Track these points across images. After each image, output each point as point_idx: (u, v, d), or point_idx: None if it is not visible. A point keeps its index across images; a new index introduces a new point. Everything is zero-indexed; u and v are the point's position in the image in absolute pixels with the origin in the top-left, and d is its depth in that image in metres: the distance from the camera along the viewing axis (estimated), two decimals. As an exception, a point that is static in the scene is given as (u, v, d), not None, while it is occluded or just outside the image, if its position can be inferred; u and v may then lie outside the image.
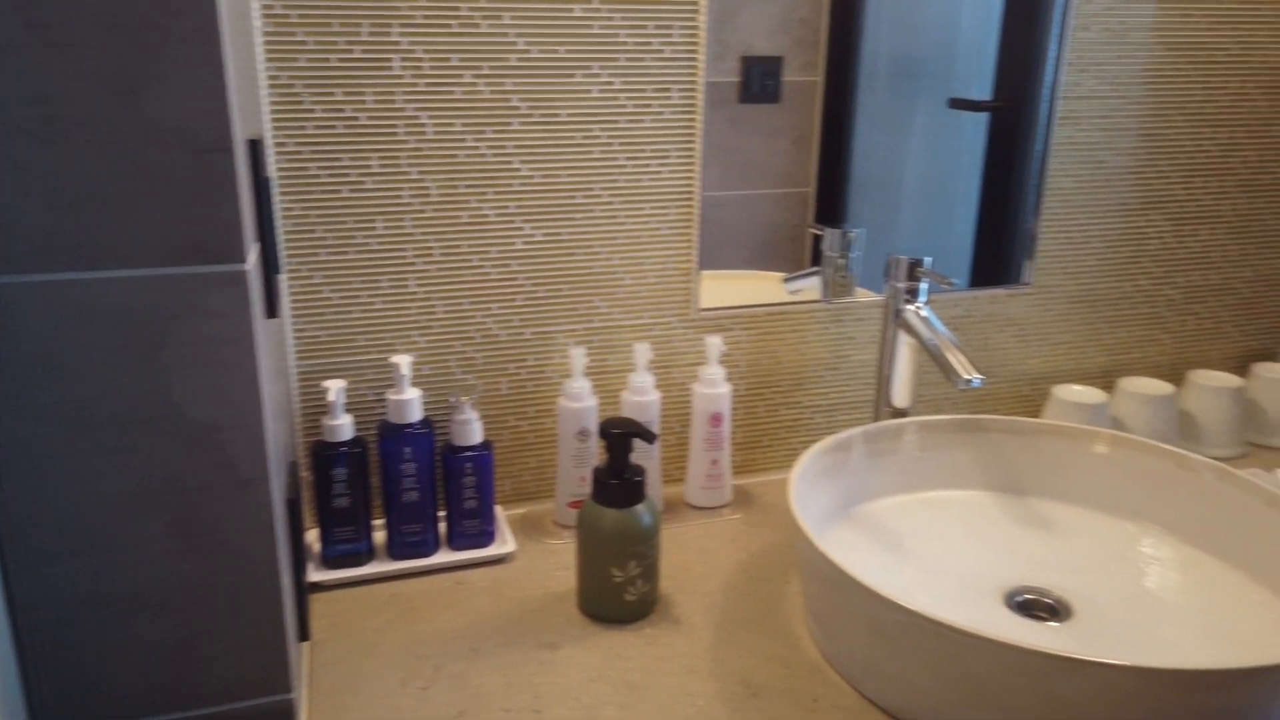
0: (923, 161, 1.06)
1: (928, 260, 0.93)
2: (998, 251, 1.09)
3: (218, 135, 0.50)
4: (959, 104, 1.06)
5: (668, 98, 0.90)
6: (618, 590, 0.78)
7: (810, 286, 1.02)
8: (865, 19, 0.98)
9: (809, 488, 0.82)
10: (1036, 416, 1.10)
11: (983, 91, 1.06)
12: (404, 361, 0.83)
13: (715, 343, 0.94)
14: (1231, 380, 1.09)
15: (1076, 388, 1.06)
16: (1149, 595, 0.80)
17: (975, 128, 1.07)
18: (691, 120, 0.92)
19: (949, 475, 0.93)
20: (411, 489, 0.84)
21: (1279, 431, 1.10)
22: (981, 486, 0.93)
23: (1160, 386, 1.06)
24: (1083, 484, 0.90)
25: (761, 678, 0.72)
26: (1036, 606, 0.77)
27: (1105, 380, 1.13)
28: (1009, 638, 0.60)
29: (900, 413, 0.96)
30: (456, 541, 0.87)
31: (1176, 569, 0.82)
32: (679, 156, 0.92)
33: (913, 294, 0.93)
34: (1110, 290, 1.11)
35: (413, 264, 0.88)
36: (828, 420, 1.06)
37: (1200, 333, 1.16)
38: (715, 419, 0.95)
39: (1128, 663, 0.57)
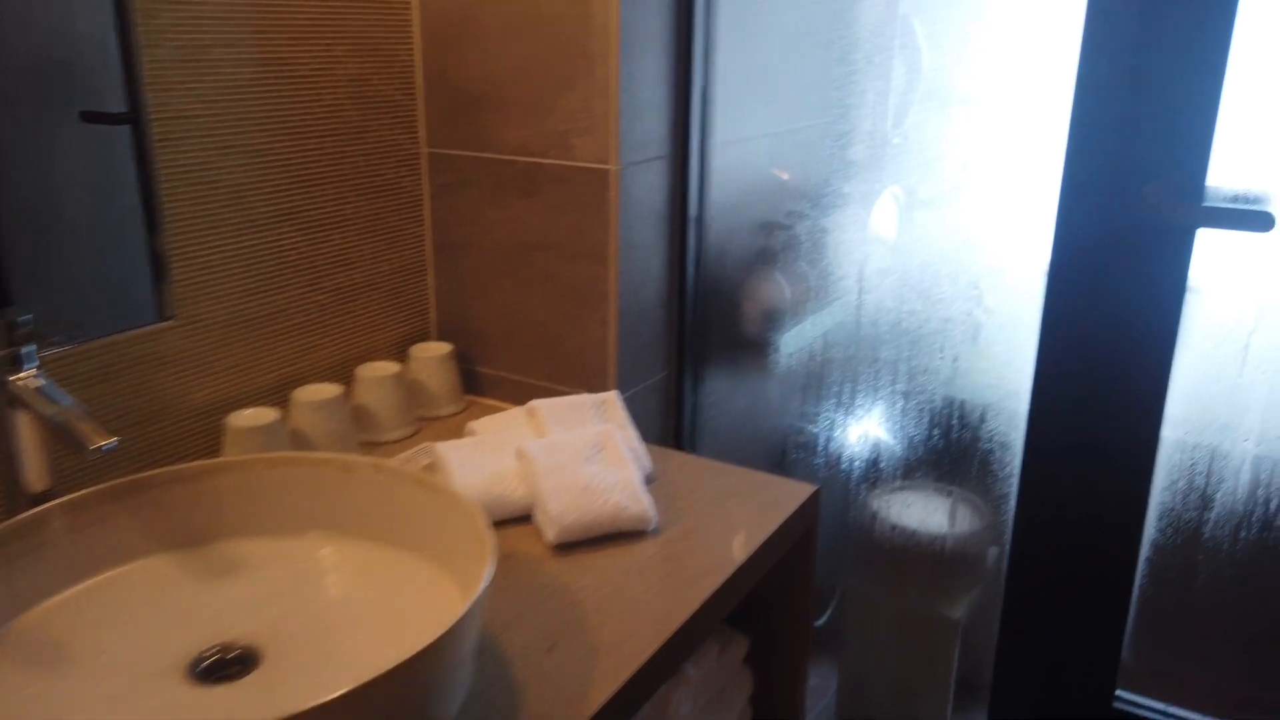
0: None
1: (26, 318, 0.80)
2: (128, 289, 0.99)
3: None
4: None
5: None
6: None
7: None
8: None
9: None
10: (218, 451, 1.06)
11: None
12: None
13: None
14: (391, 367, 1.19)
15: (248, 412, 1.04)
16: (333, 607, 0.82)
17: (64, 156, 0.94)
18: None
19: (115, 551, 0.82)
20: None
21: (440, 402, 1.25)
22: (155, 550, 0.84)
23: (330, 389, 1.10)
24: (260, 513, 0.88)
25: None
26: (225, 666, 0.73)
27: (283, 394, 1.13)
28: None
29: (43, 497, 0.82)
30: None
31: (355, 570, 0.85)
32: None
33: (17, 361, 0.79)
34: (263, 306, 1.11)
35: None
36: (-45, 529, 0.85)
37: (359, 329, 1.24)
38: None
39: (306, 707, 0.56)
